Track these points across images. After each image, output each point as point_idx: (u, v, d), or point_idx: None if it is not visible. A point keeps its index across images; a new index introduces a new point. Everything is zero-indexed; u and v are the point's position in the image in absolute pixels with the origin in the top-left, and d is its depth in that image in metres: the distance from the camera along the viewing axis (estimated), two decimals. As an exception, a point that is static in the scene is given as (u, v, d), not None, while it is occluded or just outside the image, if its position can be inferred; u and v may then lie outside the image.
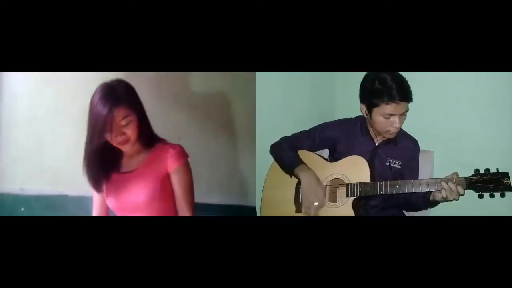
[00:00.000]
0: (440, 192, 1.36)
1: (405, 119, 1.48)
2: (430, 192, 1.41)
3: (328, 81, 2.10)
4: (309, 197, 1.50)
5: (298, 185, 1.59)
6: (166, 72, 1.66)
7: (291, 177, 1.59)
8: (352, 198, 1.49)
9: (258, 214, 1.70)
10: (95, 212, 1.47)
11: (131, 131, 1.27)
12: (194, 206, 1.38)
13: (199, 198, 1.45)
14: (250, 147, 1.74)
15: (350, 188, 1.49)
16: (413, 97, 1.45)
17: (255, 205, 1.73)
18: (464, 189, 1.35)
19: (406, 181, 1.42)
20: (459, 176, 1.36)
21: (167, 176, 1.35)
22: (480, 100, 1.65)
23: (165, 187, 1.35)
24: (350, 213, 1.48)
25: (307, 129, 1.69)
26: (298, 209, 1.57)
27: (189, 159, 1.37)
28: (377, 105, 1.46)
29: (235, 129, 1.79)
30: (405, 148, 1.58)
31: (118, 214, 1.39)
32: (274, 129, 1.73)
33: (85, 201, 1.48)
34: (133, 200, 1.34)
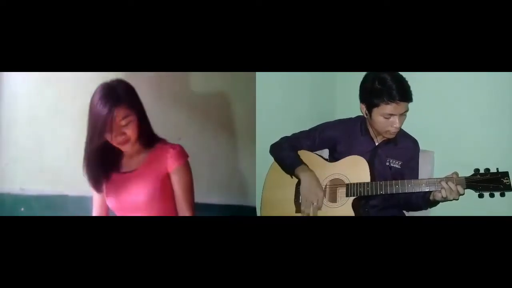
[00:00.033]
0: (440, 191, 1.36)
1: (405, 119, 1.48)
2: (430, 192, 1.41)
3: (328, 81, 2.10)
4: (308, 197, 1.50)
5: (298, 185, 1.59)
6: (166, 72, 1.66)
7: (292, 177, 1.59)
8: (352, 198, 1.49)
9: (258, 214, 1.70)
10: (95, 212, 1.47)
11: (131, 131, 1.27)
12: (194, 206, 1.38)
13: (199, 198, 1.45)
14: (250, 147, 1.74)
15: (350, 188, 1.49)
16: (413, 97, 1.45)
17: (255, 205, 1.73)
18: (464, 188, 1.35)
19: (406, 181, 1.42)
20: (459, 175, 1.36)
21: (167, 176, 1.34)
22: (480, 100, 1.65)
23: (165, 187, 1.34)
24: (350, 213, 1.48)
25: (307, 129, 1.69)
26: (298, 209, 1.57)
27: (189, 159, 1.37)
28: (377, 105, 1.46)
29: (235, 129, 1.79)
30: (405, 148, 1.58)
31: (118, 214, 1.39)
32: (274, 129, 1.73)
33: (85, 201, 1.48)
34: (133, 200, 1.34)
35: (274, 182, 1.65)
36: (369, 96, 1.47)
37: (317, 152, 1.66)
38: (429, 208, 1.55)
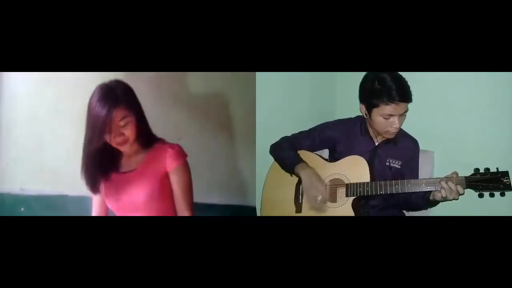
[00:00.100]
0: (440, 191, 1.36)
1: (404, 119, 1.48)
2: (430, 192, 1.41)
3: (328, 81, 2.10)
4: (311, 193, 1.50)
5: (298, 185, 1.59)
6: (166, 72, 1.66)
7: (292, 176, 1.59)
8: (352, 198, 1.49)
9: (258, 214, 1.70)
10: (95, 212, 1.47)
11: (129, 132, 1.28)
12: (193, 206, 1.38)
13: (199, 198, 1.45)
14: (250, 147, 1.74)
15: (350, 188, 1.49)
16: (413, 97, 1.45)
17: (255, 205, 1.73)
18: (464, 188, 1.35)
19: (406, 180, 1.42)
20: (459, 175, 1.36)
21: (166, 176, 1.35)
22: (480, 100, 1.65)
23: (164, 186, 1.35)
24: (350, 213, 1.48)
25: (307, 129, 1.69)
26: (298, 209, 1.57)
27: (189, 159, 1.37)
28: (376, 106, 1.45)
29: (235, 129, 1.79)
30: (405, 148, 1.58)
31: (118, 214, 1.39)
32: (274, 129, 1.73)
33: (85, 201, 1.48)
34: (132, 199, 1.34)
35: (274, 182, 1.65)
36: (369, 96, 1.47)
37: (317, 152, 1.66)
38: (429, 208, 1.55)
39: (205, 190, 1.75)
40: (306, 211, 1.56)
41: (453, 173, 1.37)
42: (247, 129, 1.74)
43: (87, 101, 1.27)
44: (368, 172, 1.49)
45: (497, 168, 1.33)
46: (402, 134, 1.57)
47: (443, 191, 1.35)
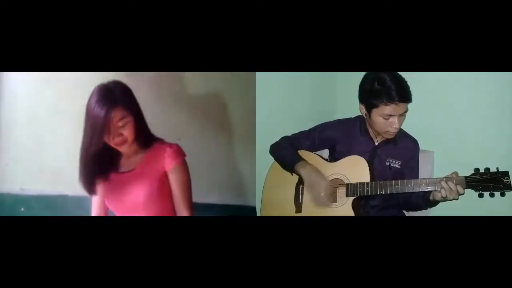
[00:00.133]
0: (439, 191, 1.36)
1: (404, 119, 1.48)
2: (430, 192, 1.41)
3: (328, 81, 2.10)
4: (314, 189, 1.50)
5: (298, 184, 1.59)
6: (166, 72, 1.66)
7: (292, 175, 1.59)
8: (352, 198, 1.49)
9: (258, 214, 1.70)
10: (94, 212, 1.48)
11: (127, 132, 1.28)
12: (192, 205, 1.38)
13: (199, 198, 1.45)
14: (250, 147, 1.74)
15: (350, 188, 1.49)
16: (413, 97, 1.45)
17: (255, 205, 1.73)
18: (464, 188, 1.35)
19: (406, 180, 1.42)
20: (459, 175, 1.36)
21: (165, 175, 1.35)
22: (480, 100, 1.65)
23: (162, 186, 1.35)
24: (350, 213, 1.48)
25: (307, 129, 1.69)
26: (298, 209, 1.57)
27: (189, 159, 1.37)
28: (376, 106, 1.45)
29: (235, 129, 1.79)
30: (405, 148, 1.58)
31: (117, 214, 1.39)
32: (274, 129, 1.73)
33: (85, 201, 1.48)
34: (131, 199, 1.34)
35: (274, 182, 1.65)
36: (368, 96, 1.47)
37: (317, 152, 1.66)
38: (429, 208, 1.55)
39: (205, 190, 1.75)
40: (306, 211, 1.56)
41: (453, 173, 1.37)
42: (247, 129, 1.74)
43: (87, 101, 1.27)
44: (368, 172, 1.49)
45: (497, 168, 1.33)
46: (402, 134, 1.57)
47: (443, 191, 1.35)
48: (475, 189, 1.34)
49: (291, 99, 1.93)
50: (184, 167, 1.36)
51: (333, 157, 1.64)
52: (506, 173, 1.32)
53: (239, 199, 1.79)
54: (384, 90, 1.42)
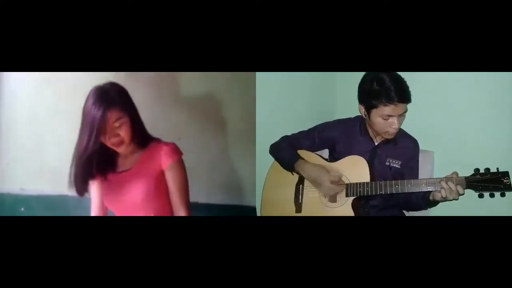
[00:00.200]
0: (439, 191, 1.36)
1: (404, 119, 1.48)
2: (430, 192, 1.41)
3: (328, 81, 2.10)
4: (319, 185, 1.50)
5: (298, 184, 1.59)
6: (166, 72, 1.66)
7: (292, 174, 1.59)
8: (351, 198, 1.49)
9: (258, 214, 1.70)
10: (94, 213, 1.48)
11: (124, 132, 1.29)
12: (189, 204, 1.38)
13: (199, 198, 1.45)
14: (250, 147, 1.74)
15: (350, 188, 1.49)
16: (413, 97, 1.45)
17: (255, 205, 1.73)
18: (464, 188, 1.35)
19: (405, 180, 1.42)
20: (459, 175, 1.36)
21: (162, 174, 1.36)
22: (480, 100, 1.65)
23: (160, 184, 1.35)
24: (350, 213, 1.48)
25: (307, 129, 1.69)
26: (298, 209, 1.57)
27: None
28: (375, 107, 1.45)
29: (235, 129, 1.79)
30: (404, 147, 1.58)
31: (116, 212, 1.40)
32: (274, 129, 1.73)
33: (85, 201, 1.48)
34: (129, 198, 1.35)
35: (274, 181, 1.65)
36: (368, 97, 1.47)
37: (317, 152, 1.66)
38: (429, 208, 1.55)
39: (205, 190, 1.75)
40: (306, 211, 1.56)
41: (453, 173, 1.37)
42: (247, 129, 1.74)
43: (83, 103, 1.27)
44: (368, 172, 1.49)
45: (497, 168, 1.33)
46: (402, 134, 1.57)
47: (443, 191, 1.35)
48: (475, 189, 1.34)
49: (291, 99, 1.93)
50: (180, 165, 1.37)
51: (333, 157, 1.64)
52: (506, 174, 1.32)
53: (239, 199, 1.79)
54: (383, 90, 1.42)
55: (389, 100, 1.41)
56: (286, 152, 1.61)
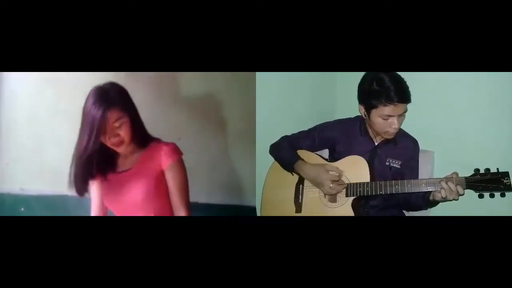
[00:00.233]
0: (439, 192, 1.36)
1: (403, 119, 1.48)
2: (430, 192, 1.41)
3: (328, 81, 2.10)
4: (320, 184, 1.50)
5: (298, 185, 1.59)
6: (166, 72, 1.66)
7: (292, 175, 1.59)
8: (351, 198, 1.49)
9: (258, 214, 1.70)
10: (94, 213, 1.48)
11: (124, 132, 1.30)
12: (189, 204, 1.38)
13: (199, 198, 1.45)
14: (250, 147, 1.74)
15: (350, 188, 1.49)
16: (413, 97, 1.45)
17: (255, 205, 1.73)
18: (464, 188, 1.35)
19: (405, 181, 1.42)
20: (459, 175, 1.36)
21: (162, 174, 1.36)
22: (480, 100, 1.65)
23: (160, 184, 1.35)
24: (350, 213, 1.48)
25: (307, 129, 1.69)
26: (298, 209, 1.57)
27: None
28: (375, 107, 1.45)
29: (235, 129, 1.79)
30: (404, 147, 1.58)
31: (116, 213, 1.41)
32: (274, 129, 1.73)
33: (85, 201, 1.48)
34: (129, 198, 1.35)
35: (274, 182, 1.65)
36: (367, 97, 1.47)
37: (317, 152, 1.66)
38: (429, 208, 1.55)
39: (205, 190, 1.75)
40: (306, 211, 1.56)
41: (453, 173, 1.37)
42: (247, 129, 1.74)
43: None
44: (368, 172, 1.49)
45: (497, 169, 1.33)
46: (402, 134, 1.57)
47: (443, 192, 1.35)
48: (475, 189, 1.34)
49: (291, 99, 1.93)
50: (180, 165, 1.37)
51: (333, 157, 1.64)
52: (506, 174, 1.32)
53: (239, 199, 1.79)
54: (383, 90, 1.42)
55: (388, 100, 1.41)
56: (286, 152, 1.61)
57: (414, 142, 1.60)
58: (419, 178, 1.55)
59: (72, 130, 1.32)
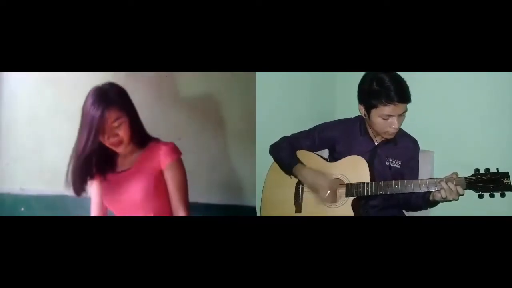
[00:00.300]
0: (439, 192, 1.36)
1: (403, 119, 1.48)
2: (429, 192, 1.41)
3: (328, 81, 2.10)
4: (316, 190, 1.50)
5: (298, 185, 1.59)
6: (166, 72, 1.66)
7: (291, 177, 1.59)
8: (351, 198, 1.49)
9: (258, 214, 1.70)
10: (93, 213, 1.48)
11: (123, 132, 1.30)
12: (188, 204, 1.39)
13: (199, 198, 1.44)
14: (250, 147, 1.74)
15: (350, 188, 1.49)
16: (413, 97, 1.45)
17: (255, 205, 1.73)
18: (464, 189, 1.35)
19: (405, 181, 1.42)
20: (459, 175, 1.36)
21: (161, 173, 1.36)
22: (480, 100, 1.65)
23: (159, 184, 1.36)
24: (350, 213, 1.48)
25: (307, 129, 1.69)
26: (298, 209, 1.57)
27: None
28: (375, 107, 1.45)
29: (235, 129, 1.79)
30: (404, 147, 1.58)
31: (115, 212, 1.41)
32: (274, 129, 1.73)
33: (85, 201, 1.48)
34: (128, 198, 1.36)
35: (274, 182, 1.65)
36: (367, 97, 1.47)
37: (317, 152, 1.66)
38: (429, 208, 1.55)
39: (205, 190, 1.75)
40: (306, 211, 1.56)
41: (453, 173, 1.37)
42: (247, 129, 1.74)
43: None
44: (368, 172, 1.49)
45: (497, 169, 1.33)
46: (402, 134, 1.57)
47: (443, 192, 1.35)
48: (475, 189, 1.34)
49: (291, 99, 1.93)
50: (179, 165, 1.37)
51: (333, 157, 1.64)
52: (506, 174, 1.32)
53: (239, 199, 1.79)
54: (383, 90, 1.42)
55: (388, 100, 1.41)
56: (285, 154, 1.61)
57: (414, 142, 1.60)
58: (419, 178, 1.55)
59: (72, 130, 1.32)
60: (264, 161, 1.68)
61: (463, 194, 1.35)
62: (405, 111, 1.45)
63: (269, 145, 1.68)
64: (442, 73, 1.54)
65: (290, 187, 1.60)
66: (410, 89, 1.45)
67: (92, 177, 1.37)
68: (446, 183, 1.35)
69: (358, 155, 1.53)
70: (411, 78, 1.46)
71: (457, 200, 1.36)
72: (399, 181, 1.42)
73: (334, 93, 2.14)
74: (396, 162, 1.56)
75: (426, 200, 1.46)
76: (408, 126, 1.55)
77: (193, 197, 1.41)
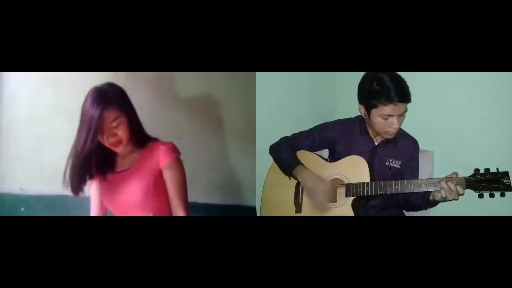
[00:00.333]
0: (439, 192, 1.36)
1: (404, 119, 1.48)
2: (429, 192, 1.41)
3: (328, 81, 2.10)
4: (313, 193, 1.50)
5: (298, 185, 1.59)
6: (166, 72, 1.66)
7: (290, 179, 1.59)
8: (351, 198, 1.49)
9: (258, 214, 1.70)
10: (93, 213, 1.49)
11: (121, 132, 1.30)
12: (187, 203, 1.39)
13: (199, 198, 1.44)
14: (250, 147, 1.74)
15: (350, 188, 1.49)
16: (413, 97, 1.45)
17: (255, 205, 1.73)
18: (464, 188, 1.35)
19: (405, 181, 1.42)
20: (459, 175, 1.36)
21: (160, 173, 1.36)
22: (480, 100, 1.65)
23: (158, 184, 1.36)
24: (350, 213, 1.48)
25: (307, 129, 1.69)
26: (298, 209, 1.57)
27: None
28: (375, 106, 1.45)
29: (235, 129, 1.79)
30: (404, 147, 1.58)
31: (115, 212, 1.41)
32: (274, 129, 1.73)
33: (85, 201, 1.48)
34: (128, 198, 1.36)
35: (274, 182, 1.65)
36: (367, 97, 1.47)
37: (317, 152, 1.66)
38: (429, 208, 1.55)
39: (204, 190, 1.75)
40: (306, 211, 1.56)
41: (453, 173, 1.37)
42: (247, 129, 1.74)
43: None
44: (368, 172, 1.49)
45: (497, 169, 1.33)
46: (402, 134, 1.57)
47: (443, 192, 1.35)
48: (475, 189, 1.34)
49: (291, 99, 1.93)
50: (178, 164, 1.37)
51: (333, 157, 1.64)
52: (506, 174, 1.32)
53: (239, 199, 1.79)
54: (383, 90, 1.42)
55: (388, 100, 1.41)
56: (285, 155, 1.61)
57: (414, 142, 1.60)
58: (419, 178, 1.55)
59: (72, 130, 1.32)
60: (264, 161, 1.68)
61: (463, 194, 1.35)
62: (405, 111, 1.45)
63: (269, 145, 1.68)
64: (442, 73, 1.54)
65: (290, 187, 1.60)
66: (410, 89, 1.45)
67: (91, 177, 1.37)
68: (446, 183, 1.35)
69: (358, 155, 1.53)
70: (411, 78, 1.46)
71: (457, 200, 1.36)
72: (399, 181, 1.42)
73: (334, 93, 2.14)
74: (396, 162, 1.56)
75: (426, 200, 1.46)
76: (408, 126, 1.56)
77: (193, 197, 1.41)
